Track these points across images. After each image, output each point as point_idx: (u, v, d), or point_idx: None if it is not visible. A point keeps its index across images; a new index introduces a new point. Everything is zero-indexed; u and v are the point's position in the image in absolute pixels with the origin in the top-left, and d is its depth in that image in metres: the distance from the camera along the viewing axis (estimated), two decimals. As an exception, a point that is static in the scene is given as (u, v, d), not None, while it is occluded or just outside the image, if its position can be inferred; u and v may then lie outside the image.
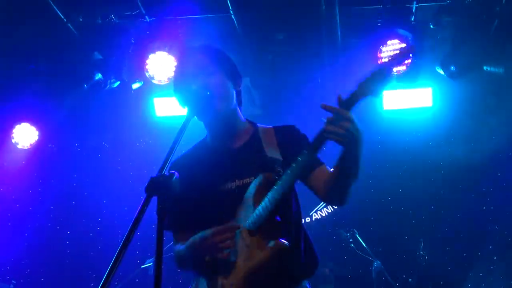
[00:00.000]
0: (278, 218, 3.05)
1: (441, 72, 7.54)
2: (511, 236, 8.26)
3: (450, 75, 7.45)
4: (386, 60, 2.74)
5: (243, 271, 3.03)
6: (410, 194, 8.51)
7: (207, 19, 7.48)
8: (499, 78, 7.40)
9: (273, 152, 3.23)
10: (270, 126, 3.42)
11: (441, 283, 8.29)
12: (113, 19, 7.44)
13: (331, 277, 8.03)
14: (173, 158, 2.74)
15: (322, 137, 2.83)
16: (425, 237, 8.25)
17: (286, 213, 3.15)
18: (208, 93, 3.13)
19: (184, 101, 3.26)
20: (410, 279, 8.02)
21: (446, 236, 8.34)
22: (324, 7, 7.12)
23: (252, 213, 3.06)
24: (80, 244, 8.96)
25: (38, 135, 8.73)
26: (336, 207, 8.72)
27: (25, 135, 8.56)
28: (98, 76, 7.68)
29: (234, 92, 3.34)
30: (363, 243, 7.91)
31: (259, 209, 3.01)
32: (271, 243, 2.97)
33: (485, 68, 7.39)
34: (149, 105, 8.37)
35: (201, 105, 3.10)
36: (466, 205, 8.28)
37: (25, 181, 9.06)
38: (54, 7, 7.18)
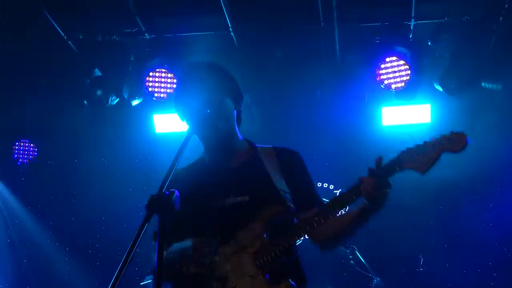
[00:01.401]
0: (284, 259, 3.12)
1: (440, 88, 7.58)
2: (511, 252, 8.24)
3: (449, 91, 7.49)
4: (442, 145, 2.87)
5: None
6: (409, 210, 8.49)
7: (207, 36, 7.52)
8: (497, 94, 7.43)
9: (279, 181, 3.25)
10: (270, 146, 3.42)
11: (441, 299, 8.27)
12: (113, 36, 7.49)
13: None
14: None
15: (356, 192, 3.01)
16: (425, 254, 8.23)
17: (291, 254, 3.23)
18: (208, 111, 3.13)
19: (183, 117, 3.27)
20: (409, 296, 8.00)
21: (446, 252, 8.32)
22: (323, 24, 7.17)
23: (251, 239, 3.10)
24: (80, 261, 8.93)
25: (38, 152, 8.77)
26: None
27: (25, 151, 8.60)
28: (98, 93, 7.70)
29: (234, 112, 3.35)
30: (363, 260, 7.89)
31: (273, 248, 3.07)
32: (281, 285, 3.03)
33: (483, 84, 7.43)
34: (149, 122, 8.39)
35: (200, 123, 3.11)
36: (465, 221, 8.27)
37: (24, 197, 9.07)
38: (55, 24, 7.23)
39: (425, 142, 2.75)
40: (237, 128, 3.39)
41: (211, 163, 3.37)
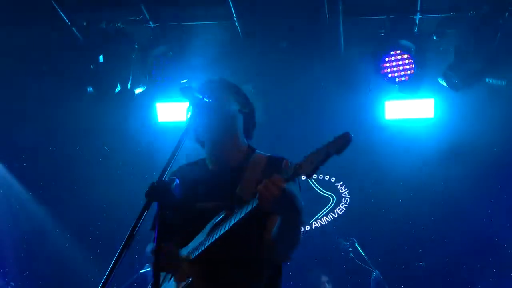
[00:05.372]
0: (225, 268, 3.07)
1: (444, 83, 7.56)
2: (511, 248, 8.24)
3: (452, 86, 7.46)
4: (330, 145, 2.73)
5: None
6: (410, 204, 8.50)
7: (211, 26, 7.50)
8: (501, 90, 7.42)
9: (246, 191, 3.15)
10: (266, 155, 3.37)
11: (440, 294, 8.28)
12: (118, 24, 7.47)
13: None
14: (174, 164, 2.74)
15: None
16: (424, 248, 8.24)
17: (229, 253, 3.11)
18: (210, 100, 3.15)
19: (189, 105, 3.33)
20: (408, 290, 8.01)
21: (445, 247, 8.32)
22: (328, 15, 7.14)
23: (201, 243, 3.08)
24: (80, 248, 8.95)
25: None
26: (336, 216, 8.75)
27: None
28: (103, 80, 7.69)
29: (239, 114, 3.35)
30: (363, 253, 7.90)
31: (205, 242, 3.04)
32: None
33: (487, 80, 7.40)
34: (152, 110, 8.39)
35: (199, 111, 3.13)
36: (466, 217, 8.27)
37: (26, 183, 9.08)
38: (59, 11, 7.21)
39: (321, 147, 2.74)
40: (240, 131, 3.38)
41: (209, 163, 3.39)
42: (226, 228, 2.92)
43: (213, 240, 2.98)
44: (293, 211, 2.88)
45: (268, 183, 2.74)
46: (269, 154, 3.37)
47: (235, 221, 2.91)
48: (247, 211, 2.87)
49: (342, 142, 2.72)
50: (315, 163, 2.70)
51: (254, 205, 2.83)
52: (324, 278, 8.13)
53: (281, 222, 2.93)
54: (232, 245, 3.04)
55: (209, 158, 3.40)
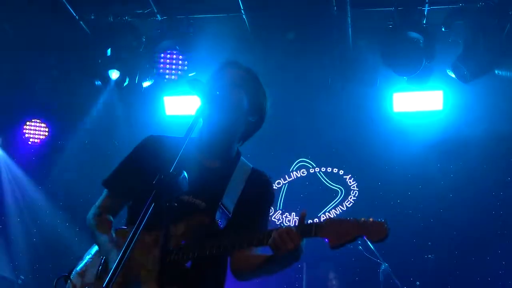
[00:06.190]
0: (188, 264, 3.03)
1: (452, 75, 7.52)
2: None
3: (461, 78, 7.42)
4: (350, 237, 2.76)
5: None
6: (418, 197, 8.48)
7: (218, 19, 7.50)
8: (510, 82, 7.37)
9: (229, 201, 3.18)
10: (250, 166, 3.36)
11: (449, 287, 8.25)
12: (125, 17, 7.47)
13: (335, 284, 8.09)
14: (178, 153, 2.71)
15: (268, 236, 2.87)
16: (433, 240, 8.21)
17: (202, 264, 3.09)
18: (218, 93, 3.09)
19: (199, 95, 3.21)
20: (417, 282, 7.98)
21: (454, 239, 8.30)
22: (335, 8, 7.12)
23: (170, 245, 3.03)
24: (88, 242, 8.97)
25: (48, 131, 8.81)
26: (344, 209, 8.75)
27: (36, 130, 8.64)
28: (109, 74, 7.70)
29: (246, 119, 3.28)
30: (371, 245, 7.88)
31: (180, 252, 3.00)
32: None
33: (496, 72, 7.36)
34: (159, 104, 8.39)
35: (208, 102, 3.04)
36: (475, 209, 8.23)
37: (34, 177, 9.11)
38: (67, 5, 7.22)
39: (349, 220, 2.76)
40: (238, 136, 3.31)
41: (201, 150, 3.28)
42: (212, 253, 2.94)
43: (191, 256, 2.98)
44: (294, 260, 2.94)
45: (285, 236, 2.79)
46: (252, 166, 3.36)
47: (225, 249, 2.95)
48: (241, 247, 2.92)
49: (377, 232, 2.76)
50: (342, 241, 2.76)
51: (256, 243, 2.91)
52: (332, 275, 8.15)
53: (275, 260, 2.96)
54: (208, 264, 3.09)
55: (202, 147, 3.28)
